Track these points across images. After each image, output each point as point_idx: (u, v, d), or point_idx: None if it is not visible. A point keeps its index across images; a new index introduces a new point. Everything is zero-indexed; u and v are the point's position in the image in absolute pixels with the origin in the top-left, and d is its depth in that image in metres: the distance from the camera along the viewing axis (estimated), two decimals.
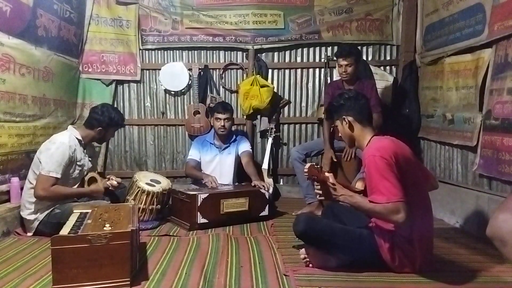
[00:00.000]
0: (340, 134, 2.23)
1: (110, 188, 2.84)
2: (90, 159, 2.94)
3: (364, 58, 4.07)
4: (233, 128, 3.89)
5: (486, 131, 2.75)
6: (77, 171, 2.81)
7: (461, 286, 1.91)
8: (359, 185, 2.18)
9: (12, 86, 2.87)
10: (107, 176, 2.96)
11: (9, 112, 2.85)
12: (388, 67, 4.23)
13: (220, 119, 3.49)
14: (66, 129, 3.62)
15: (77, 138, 2.79)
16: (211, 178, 3.33)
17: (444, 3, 3.39)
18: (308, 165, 2.01)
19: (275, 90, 4.19)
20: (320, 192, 2.04)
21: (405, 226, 1.86)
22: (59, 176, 2.60)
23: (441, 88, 3.41)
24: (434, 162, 3.62)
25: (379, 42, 4.19)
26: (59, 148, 2.64)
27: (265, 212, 3.21)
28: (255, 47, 4.18)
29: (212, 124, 3.70)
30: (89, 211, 2.21)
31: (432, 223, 2.08)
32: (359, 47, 3.90)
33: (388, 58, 4.23)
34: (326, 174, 2.01)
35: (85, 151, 2.87)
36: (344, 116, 2.12)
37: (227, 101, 4.16)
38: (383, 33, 4.15)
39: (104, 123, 2.84)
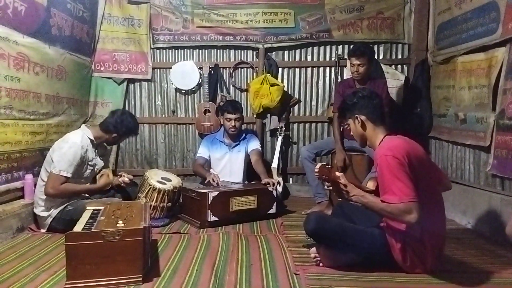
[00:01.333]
0: (351, 133, 2.21)
1: (122, 184, 2.87)
2: (101, 157, 2.98)
3: (375, 56, 4.04)
4: (243, 127, 3.90)
5: (500, 131, 2.72)
6: (88, 171, 2.84)
7: (473, 287, 1.90)
8: (370, 185, 2.17)
9: (27, 85, 2.91)
10: (119, 173, 2.99)
11: (23, 110, 2.89)
12: (399, 66, 4.19)
13: (231, 119, 3.49)
14: (79, 127, 3.69)
15: (89, 138, 2.83)
16: (212, 175, 3.34)
17: (456, 1, 3.35)
18: (318, 165, 2.01)
19: (285, 89, 4.19)
20: (330, 189, 2.04)
21: (417, 226, 1.84)
22: (69, 175, 2.64)
23: (454, 87, 3.38)
24: (446, 162, 3.58)
25: (390, 41, 4.17)
26: (71, 147, 2.68)
27: (273, 210, 3.22)
28: (265, 45, 4.18)
29: (222, 123, 3.70)
30: (102, 208, 2.24)
31: (444, 224, 2.06)
32: (370, 46, 3.87)
33: (399, 56, 4.20)
34: (337, 173, 2.00)
35: (96, 150, 2.90)
36: (357, 115, 2.10)
37: (237, 100, 4.17)
38: (395, 32, 4.12)
39: (121, 130, 2.89)
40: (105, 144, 3.08)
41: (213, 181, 3.28)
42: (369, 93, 2.16)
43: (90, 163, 2.83)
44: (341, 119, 2.34)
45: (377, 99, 2.14)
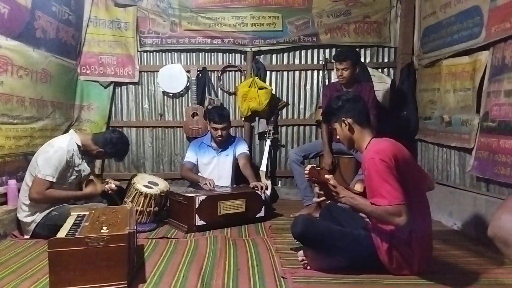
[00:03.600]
0: (338, 137, 2.22)
1: (109, 192, 2.84)
2: (88, 164, 2.93)
3: (362, 60, 4.07)
4: (232, 131, 3.89)
5: (483, 133, 2.76)
6: (73, 176, 2.79)
7: None
8: (357, 187, 2.18)
9: (10, 88, 2.86)
10: (105, 180, 2.95)
11: (6, 114, 2.84)
12: (386, 69, 4.24)
13: (217, 129, 3.47)
14: (64, 131, 3.65)
15: (76, 144, 2.78)
16: (208, 180, 3.32)
17: (441, 6, 3.40)
18: (308, 166, 2.01)
19: (273, 92, 4.20)
20: (321, 192, 2.03)
21: (406, 228, 1.86)
22: (54, 180, 2.59)
23: (439, 90, 3.42)
24: (431, 164, 3.62)
25: (377, 45, 4.21)
26: (57, 151, 2.64)
27: (261, 214, 3.21)
28: (253, 49, 4.18)
29: (209, 129, 3.68)
30: (87, 213, 2.20)
31: (430, 225, 2.08)
32: (357, 49, 3.91)
33: (386, 60, 4.25)
34: (327, 176, 2.00)
35: (83, 156, 2.86)
36: (343, 118, 2.11)
37: (225, 103, 4.18)
38: (381, 36, 4.17)
39: (108, 148, 2.84)
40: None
41: (208, 185, 3.27)
42: (353, 96, 2.18)
43: (76, 168, 2.78)
44: (326, 123, 2.33)
45: (362, 101, 2.16)
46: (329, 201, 2.32)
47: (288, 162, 3.85)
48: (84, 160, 2.87)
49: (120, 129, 3.59)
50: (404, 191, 1.83)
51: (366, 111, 2.14)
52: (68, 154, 2.68)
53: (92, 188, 2.82)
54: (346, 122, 2.10)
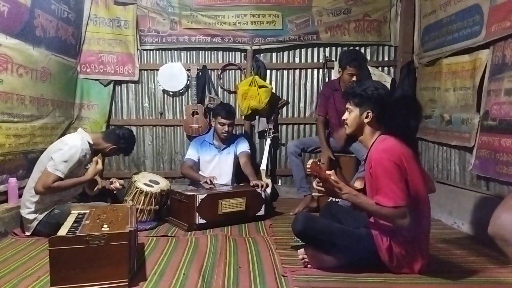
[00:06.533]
0: (345, 118, 2.11)
1: (115, 192, 2.86)
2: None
3: None
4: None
5: (484, 132, 2.76)
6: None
7: (459, 287, 1.92)
8: (357, 184, 2.18)
9: (10, 87, 2.86)
10: (110, 179, 2.97)
11: (6, 112, 2.84)
12: (386, 68, 4.24)
13: (224, 124, 3.48)
14: (63, 129, 3.65)
15: (88, 142, 2.80)
16: (208, 178, 3.32)
17: (441, 4, 3.40)
18: (310, 161, 1.95)
19: (273, 90, 4.20)
20: (321, 189, 2.02)
21: (408, 229, 1.86)
22: (62, 176, 2.59)
23: (439, 89, 3.42)
24: (431, 163, 3.62)
25: (377, 43, 4.20)
26: (71, 149, 2.65)
27: (262, 212, 3.21)
28: (254, 47, 4.18)
29: (212, 124, 3.68)
30: (87, 211, 2.21)
31: (429, 224, 2.08)
32: (357, 48, 3.91)
33: (386, 59, 4.24)
34: (328, 171, 1.99)
35: (92, 156, 2.87)
36: (369, 111, 2.02)
37: (225, 102, 4.17)
38: (381, 34, 4.16)
39: (123, 145, 2.92)
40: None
41: (208, 183, 3.27)
42: (387, 92, 2.08)
43: (86, 167, 2.80)
44: (346, 96, 2.13)
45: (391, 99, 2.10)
46: (329, 199, 2.32)
47: (287, 155, 3.84)
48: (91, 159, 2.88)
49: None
50: (409, 191, 1.84)
51: (390, 112, 2.07)
52: (82, 153, 2.70)
53: (94, 170, 2.75)
54: (370, 115, 2.02)
